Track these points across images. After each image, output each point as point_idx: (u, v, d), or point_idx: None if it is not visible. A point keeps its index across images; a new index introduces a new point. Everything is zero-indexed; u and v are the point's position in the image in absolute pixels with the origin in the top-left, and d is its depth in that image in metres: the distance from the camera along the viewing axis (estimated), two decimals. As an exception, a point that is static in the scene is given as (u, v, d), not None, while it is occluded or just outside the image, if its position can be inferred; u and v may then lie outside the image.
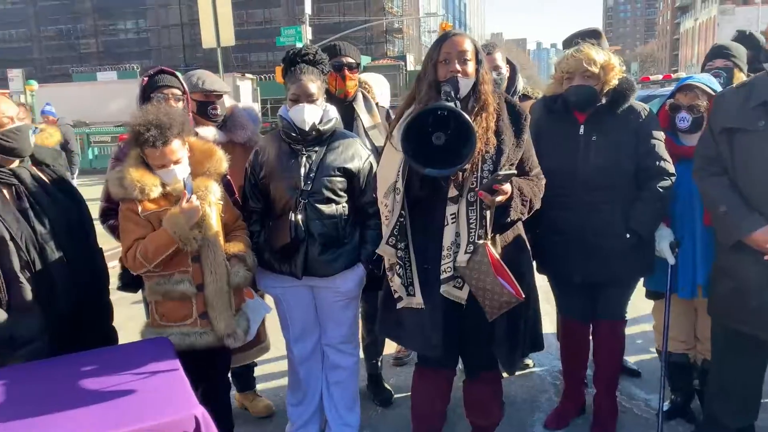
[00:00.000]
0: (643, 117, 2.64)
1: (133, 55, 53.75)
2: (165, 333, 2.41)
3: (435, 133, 2.07)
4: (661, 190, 2.58)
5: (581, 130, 2.66)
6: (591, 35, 3.32)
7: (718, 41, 4.31)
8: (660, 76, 13.32)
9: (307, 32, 24.25)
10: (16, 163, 2.27)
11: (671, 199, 2.64)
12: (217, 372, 2.65)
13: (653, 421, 2.96)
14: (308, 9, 25.63)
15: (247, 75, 25.13)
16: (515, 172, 2.21)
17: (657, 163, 2.60)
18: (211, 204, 2.45)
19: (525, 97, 3.59)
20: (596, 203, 2.62)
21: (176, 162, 2.39)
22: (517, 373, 3.63)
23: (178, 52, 52.20)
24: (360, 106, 3.12)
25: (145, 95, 2.75)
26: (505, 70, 3.43)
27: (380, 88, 3.53)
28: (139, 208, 2.36)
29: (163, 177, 2.39)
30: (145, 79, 2.80)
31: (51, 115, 10.40)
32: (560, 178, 2.63)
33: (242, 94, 20.33)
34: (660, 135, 2.65)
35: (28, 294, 2.17)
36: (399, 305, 2.34)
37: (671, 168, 2.62)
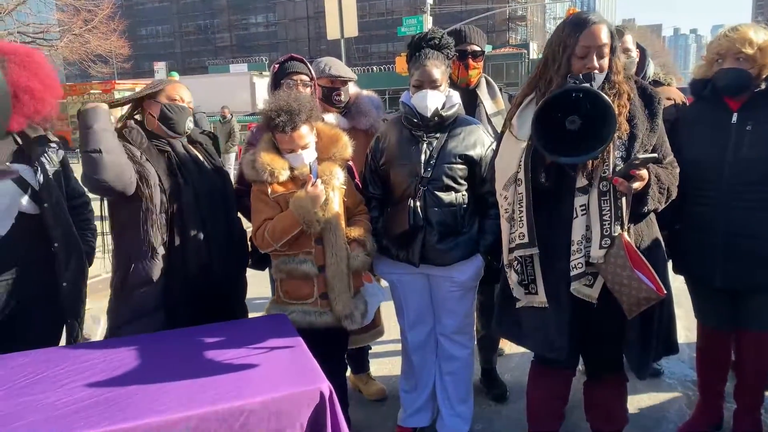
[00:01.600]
0: None
1: (263, 48, 56.81)
2: (288, 310, 2.52)
3: (568, 117, 1.94)
4: None
5: (734, 119, 2.40)
6: None
7: None
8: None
9: (429, 22, 24.24)
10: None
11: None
12: (334, 352, 2.71)
13: (804, 446, 2.64)
14: (430, -2, 25.60)
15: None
16: (656, 156, 2.03)
17: None
18: (335, 188, 2.50)
19: (656, 83, 3.38)
20: (747, 200, 2.36)
21: (304, 147, 2.47)
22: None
23: (303, 44, 54.46)
24: (483, 92, 3.04)
25: (276, 81, 2.86)
26: (635, 54, 3.22)
27: None
28: (269, 190, 2.46)
29: (291, 161, 2.48)
30: (276, 66, 2.92)
31: (188, 103, 11.22)
32: (706, 171, 2.41)
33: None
34: None
35: (158, 239, 2.36)
36: (518, 304, 2.25)
37: None
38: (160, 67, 26.44)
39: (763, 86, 2.35)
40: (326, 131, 2.59)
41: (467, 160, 2.59)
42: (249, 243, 2.72)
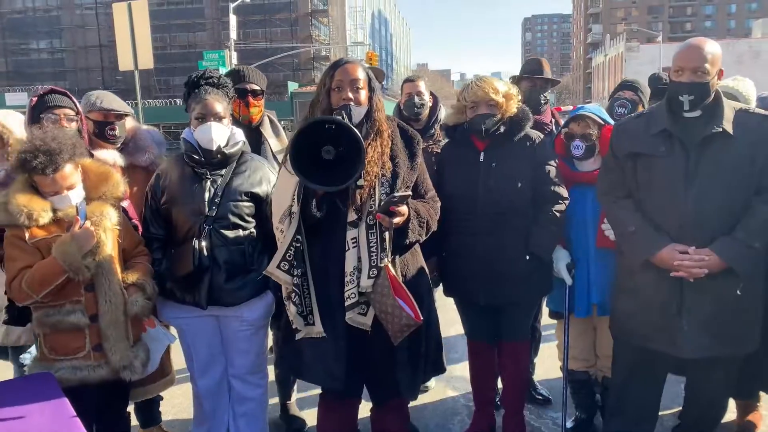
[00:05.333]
0: (538, 144, 2.76)
1: (47, 76, 51.37)
2: (54, 367, 2.28)
3: (325, 147, 2.06)
4: (556, 213, 2.69)
5: (481, 157, 2.75)
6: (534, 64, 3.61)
7: (626, 75, 4.63)
8: (570, 107, 14.16)
9: (232, 57, 24.02)
10: None
11: (567, 222, 2.76)
12: (112, 407, 2.51)
13: (560, 439, 3.04)
14: (233, 34, 25.47)
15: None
16: (410, 193, 2.24)
17: (551, 188, 2.71)
18: (107, 230, 2.35)
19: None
20: (497, 227, 2.69)
21: (69, 187, 2.28)
22: (431, 395, 3.67)
23: (96, 74, 50.43)
24: (267, 130, 3.09)
25: (35, 116, 2.62)
26: (427, 98, 3.53)
27: None
28: (27, 235, 2.23)
29: (57, 203, 2.28)
30: (35, 99, 2.67)
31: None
32: (464, 203, 2.71)
33: None
34: (553, 161, 2.77)
35: None
36: (298, 336, 2.29)
37: (564, 192, 2.74)
38: None
39: (502, 129, 2.73)
40: (94, 169, 2.43)
41: (253, 198, 2.60)
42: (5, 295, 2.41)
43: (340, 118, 2.10)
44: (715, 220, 2.33)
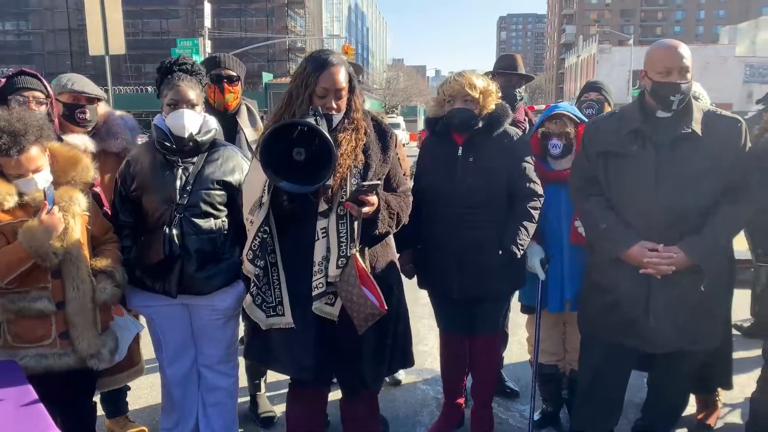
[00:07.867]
0: (516, 141, 2.79)
1: (13, 59, 49.83)
2: (18, 355, 2.22)
3: (296, 148, 2.05)
4: (530, 209, 2.72)
5: (459, 152, 2.76)
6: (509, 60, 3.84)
7: (597, 76, 4.73)
8: (543, 106, 14.35)
9: (206, 46, 23.67)
10: None
11: (541, 218, 2.79)
12: (79, 397, 2.46)
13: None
14: (207, 22, 25.07)
15: None
16: (379, 182, 2.24)
17: (527, 184, 2.74)
18: (76, 215, 2.29)
19: None
20: (472, 221, 2.71)
21: (36, 170, 2.22)
22: (401, 386, 3.69)
23: (65, 58, 49.16)
24: (243, 119, 3.06)
25: (2, 98, 2.54)
26: None
27: None
28: (-9, 220, 2.16)
29: (22, 187, 2.22)
30: (3, 80, 2.60)
31: None
32: (440, 196, 2.73)
33: None
34: (530, 158, 2.80)
35: None
36: (264, 326, 2.28)
37: (540, 189, 2.77)
38: None
39: (481, 124, 2.75)
40: (62, 152, 2.37)
41: (226, 186, 2.57)
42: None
43: (313, 122, 2.07)
44: (683, 218, 2.38)
